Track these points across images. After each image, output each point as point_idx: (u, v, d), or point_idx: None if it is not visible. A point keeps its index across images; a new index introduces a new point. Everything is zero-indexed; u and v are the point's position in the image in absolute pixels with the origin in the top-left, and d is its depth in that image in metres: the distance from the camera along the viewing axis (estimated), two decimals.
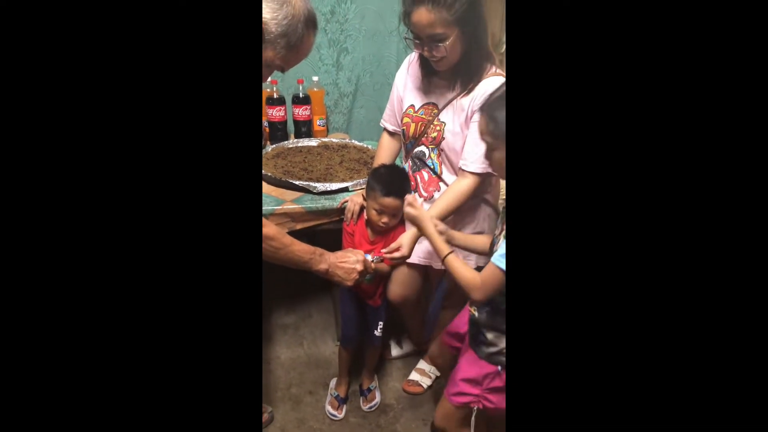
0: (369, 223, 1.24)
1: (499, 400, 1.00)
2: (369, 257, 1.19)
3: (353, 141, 1.73)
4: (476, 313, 0.99)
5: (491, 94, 0.89)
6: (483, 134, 0.88)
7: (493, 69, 1.12)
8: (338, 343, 1.64)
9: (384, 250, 1.11)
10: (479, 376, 1.00)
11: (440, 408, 1.09)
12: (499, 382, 0.98)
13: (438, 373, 1.55)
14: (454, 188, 1.14)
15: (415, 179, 1.24)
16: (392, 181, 1.16)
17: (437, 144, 1.16)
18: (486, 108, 0.86)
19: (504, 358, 0.95)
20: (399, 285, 1.33)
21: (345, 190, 1.37)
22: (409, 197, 1.03)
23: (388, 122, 1.32)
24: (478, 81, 1.09)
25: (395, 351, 1.64)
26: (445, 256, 0.95)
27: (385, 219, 1.18)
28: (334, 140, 1.73)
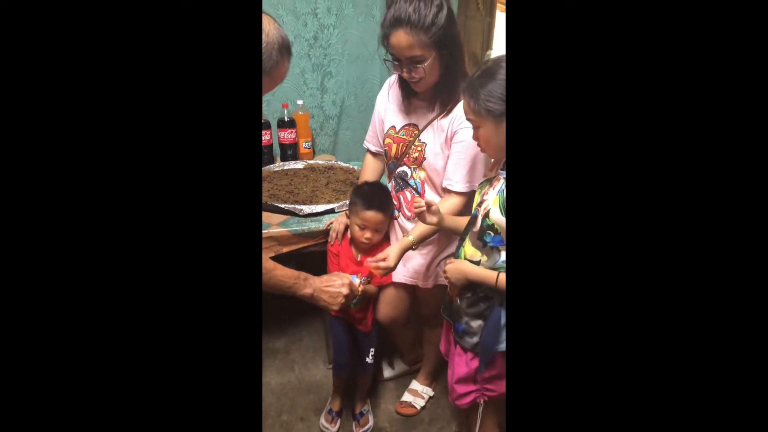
0: (353, 240, 1.24)
1: (498, 386, 1.03)
2: (356, 279, 1.19)
3: (339, 162, 1.75)
4: (458, 301, 1.00)
5: (470, 76, 0.91)
6: (467, 113, 0.91)
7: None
8: (330, 366, 1.62)
9: (370, 260, 1.11)
10: (471, 372, 1.02)
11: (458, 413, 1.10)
12: (493, 369, 1.00)
13: (432, 393, 1.54)
14: (442, 205, 1.15)
15: (398, 199, 1.25)
16: (373, 196, 1.18)
17: (419, 164, 1.18)
18: (466, 88, 0.89)
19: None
20: (387, 306, 1.32)
21: (331, 211, 1.38)
22: (432, 206, 1.01)
23: (370, 143, 1.34)
24: (457, 102, 1.12)
25: (387, 372, 1.62)
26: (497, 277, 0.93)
27: (368, 234, 1.18)
28: (320, 162, 1.74)
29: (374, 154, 1.35)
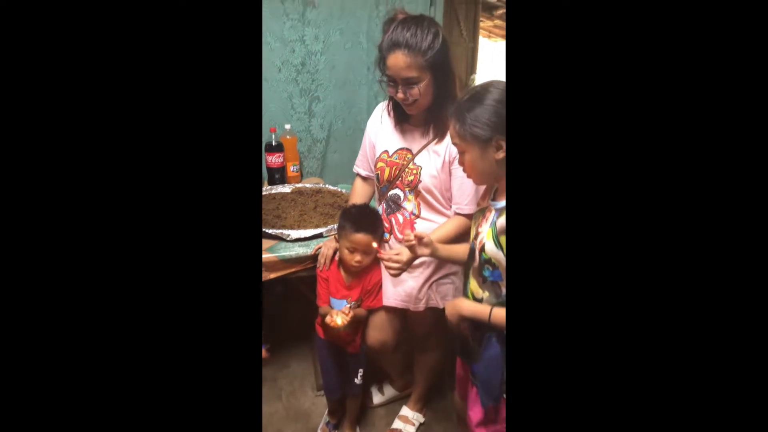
0: (342, 264, 1.24)
1: None
2: (345, 303, 1.18)
3: (327, 185, 1.75)
4: (471, 341, 0.98)
5: (459, 100, 0.93)
6: (452, 138, 0.92)
7: None
8: (318, 393, 1.59)
9: (384, 255, 1.09)
10: (490, 413, 0.98)
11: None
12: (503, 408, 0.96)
13: (422, 419, 1.52)
14: (452, 223, 1.17)
15: (390, 222, 1.26)
16: (362, 218, 1.18)
17: (413, 186, 1.20)
18: (453, 112, 0.90)
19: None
20: (377, 330, 1.31)
21: (319, 236, 1.37)
22: (423, 238, 1.01)
23: (360, 168, 1.36)
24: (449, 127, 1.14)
25: (377, 398, 1.59)
26: (490, 313, 0.90)
27: (357, 257, 1.18)
28: (307, 185, 1.74)
29: (364, 179, 1.37)
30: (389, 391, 1.60)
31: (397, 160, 1.22)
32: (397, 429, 1.48)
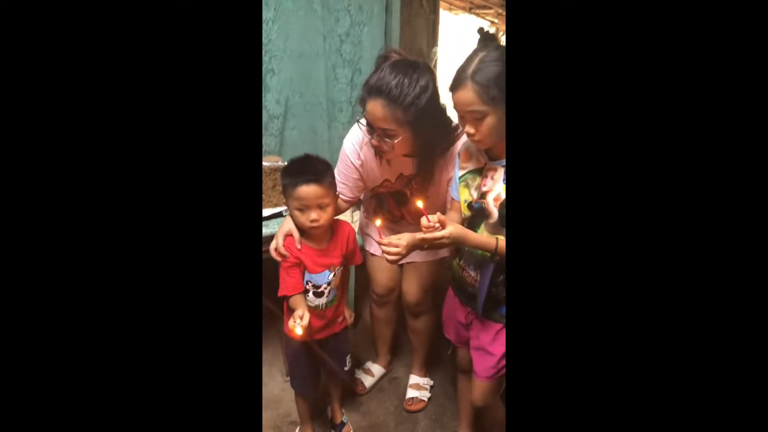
0: (303, 233, 1.08)
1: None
2: (329, 274, 1.10)
3: (286, 163, 1.67)
4: (494, 289, 0.98)
5: (473, 66, 0.87)
6: (472, 105, 0.86)
7: (459, 128, 1.10)
8: (287, 378, 1.54)
9: (384, 240, 0.95)
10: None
11: (478, 390, 1.08)
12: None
13: (432, 382, 1.54)
14: (456, 211, 1.15)
15: (401, 211, 1.27)
16: (303, 168, 1.02)
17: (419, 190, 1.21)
18: (474, 78, 0.86)
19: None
20: (383, 275, 1.34)
21: (279, 215, 1.30)
22: (428, 221, 0.92)
23: (345, 194, 1.23)
24: (449, 146, 1.13)
25: (368, 381, 1.56)
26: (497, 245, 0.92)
27: (312, 215, 1.02)
28: (266, 164, 1.65)
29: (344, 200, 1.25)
30: (377, 369, 1.59)
31: (398, 184, 1.21)
32: (413, 397, 1.48)
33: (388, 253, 0.95)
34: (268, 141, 1.82)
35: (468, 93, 0.87)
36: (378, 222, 1.06)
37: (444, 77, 1.15)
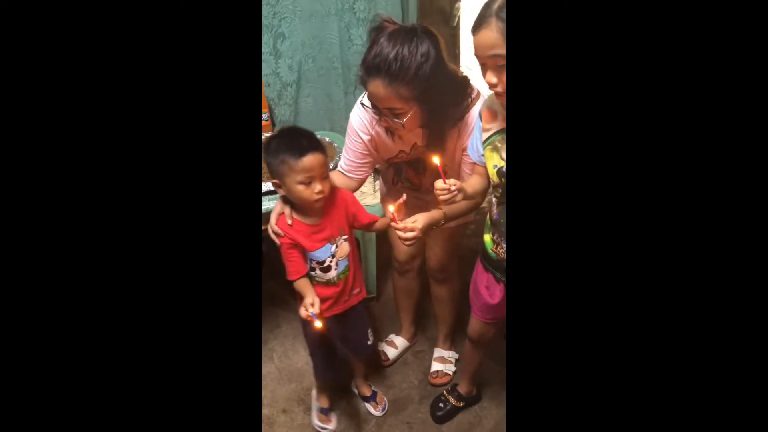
0: (303, 208, 1.01)
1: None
2: (332, 247, 1.06)
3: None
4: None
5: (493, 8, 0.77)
6: (498, 48, 0.75)
7: (475, 92, 1.03)
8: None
9: (399, 225, 0.92)
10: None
11: (474, 326, 1.14)
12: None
13: (456, 356, 1.52)
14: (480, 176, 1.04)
15: (419, 179, 1.20)
16: (298, 139, 0.95)
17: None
18: (496, 22, 0.75)
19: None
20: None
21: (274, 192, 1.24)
22: (444, 182, 0.87)
23: (348, 172, 1.16)
24: (464, 113, 1.02)
25: (392, 353, 1.55)
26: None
27: (318, 187, 0.95)
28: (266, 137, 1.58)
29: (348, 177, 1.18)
30: (401, 342, 1.57)
31: (412, 153, 1.11)
32: (438, 371, 1.47)
33: (404, 238, 0.91)
34: (282, 111, 1.75)
35: (492, 33, 0.74)
36: (391, 208, 0.95)
37: (467, 38, 1.04)
